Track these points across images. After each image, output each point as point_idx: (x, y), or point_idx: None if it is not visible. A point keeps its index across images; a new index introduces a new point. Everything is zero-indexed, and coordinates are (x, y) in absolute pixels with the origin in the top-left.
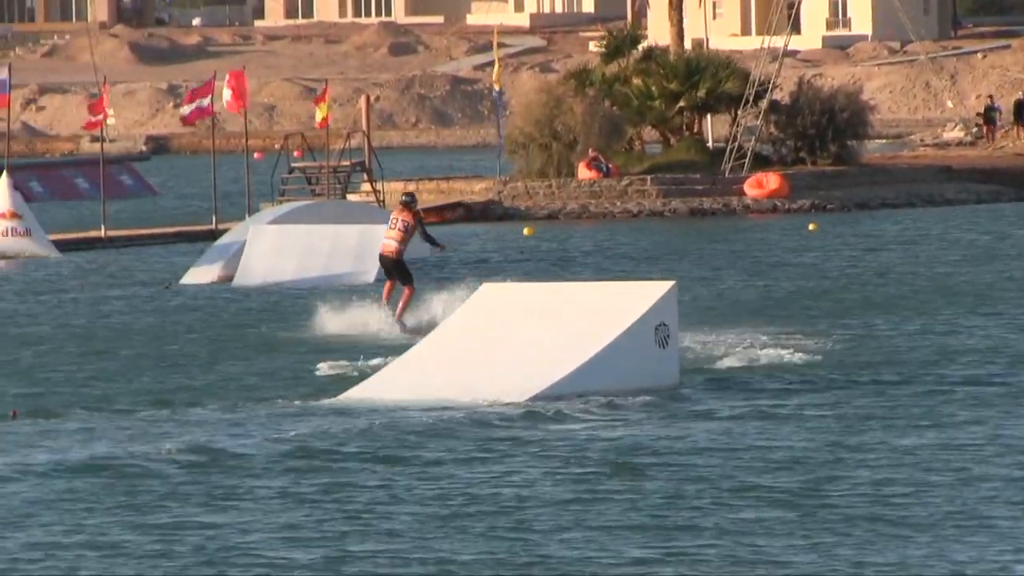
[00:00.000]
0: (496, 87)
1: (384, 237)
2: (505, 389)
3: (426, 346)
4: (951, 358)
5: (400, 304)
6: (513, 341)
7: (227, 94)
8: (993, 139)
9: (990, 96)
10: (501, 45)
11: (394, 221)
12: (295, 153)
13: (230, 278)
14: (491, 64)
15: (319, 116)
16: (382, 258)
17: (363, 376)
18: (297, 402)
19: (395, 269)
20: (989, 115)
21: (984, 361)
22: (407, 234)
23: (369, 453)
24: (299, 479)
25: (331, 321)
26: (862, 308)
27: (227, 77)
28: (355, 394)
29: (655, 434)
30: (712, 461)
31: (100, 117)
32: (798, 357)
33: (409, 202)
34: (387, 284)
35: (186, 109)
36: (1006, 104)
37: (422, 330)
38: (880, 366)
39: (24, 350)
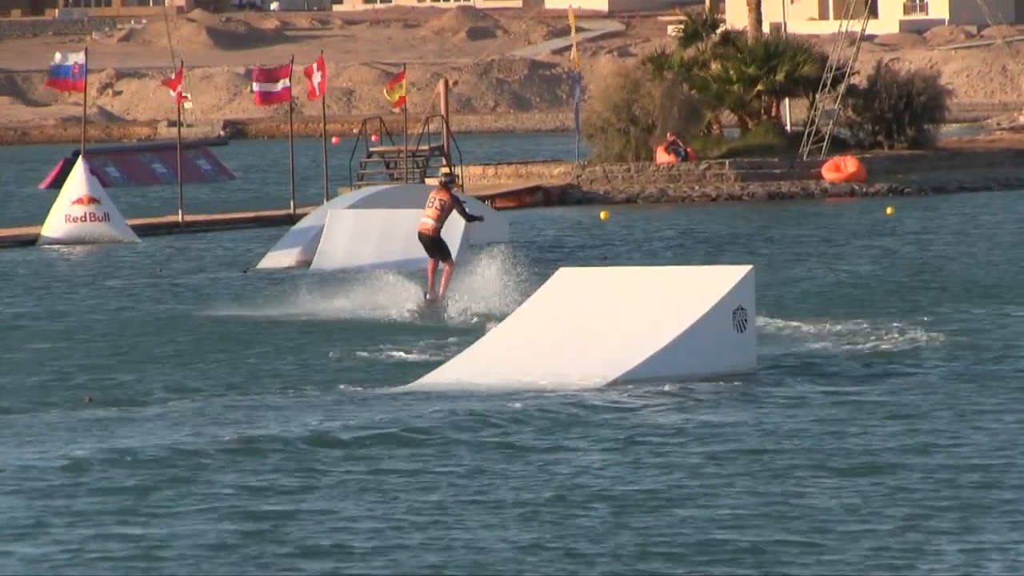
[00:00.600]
0: (571, 69)
1: (422, 216)
2: (585, 374)
3: (504, 330)
4: None
5: (443, 281)
6: (591, 325)
7: (316, 77)
8: None
9: None
10: (580, 29)
11: (432, 200)
12: (372, 137)
13: (308, 262)
14: (569, 48)
15: (393, 97)
16: (420, 236)
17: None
18: (372, 388)
19: (434, 246)
20: None
21: None
22: (444, 212)
23: (450, 439)
24: (376, 466)
25: (362, 300)
26: (940, 294)
27: (311, 66)
28: (432, 379)
29: (733, 419)
30: (788, 445)
31: (177, 91)
32: (875, 343)
33: (448, 182)
34: (429, 264)
35: (255, 86)
36: None
37: (464, 310)
38: (959, 351)
39: (100, 334)
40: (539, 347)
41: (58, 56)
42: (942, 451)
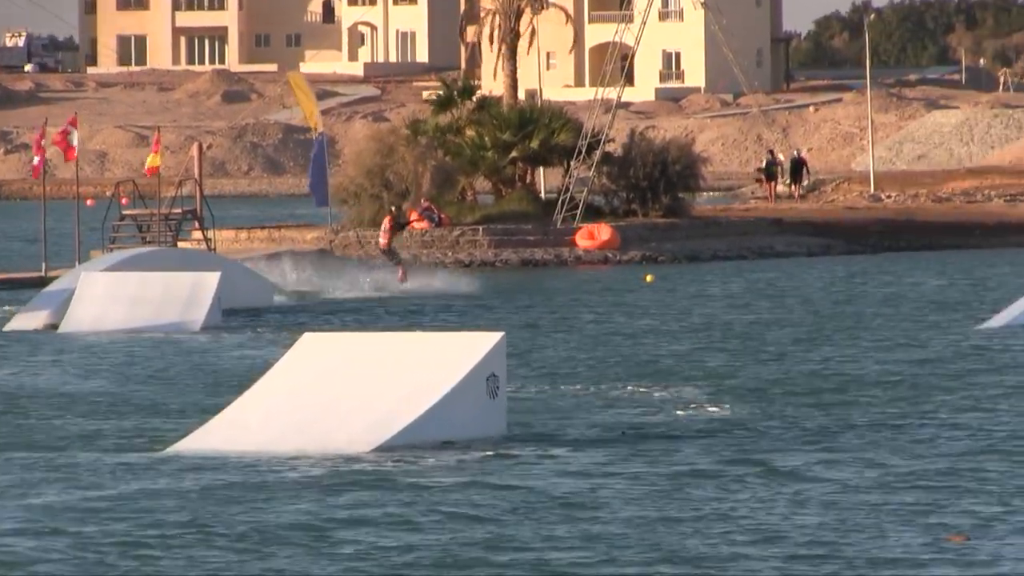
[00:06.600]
0: (316, 131)
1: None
2: (348, 439)
3: (253, 395)
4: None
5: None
6: (347, 391)
7: (74, 138)
8: (773, 195)
9: (770, 151)
10: (334, 94)
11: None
12: (122, 201)
13: (57, 325)
14: (325, 113)
15: (149, 163)
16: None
17: None
18: (120, 455)
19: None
20: (769, 170)
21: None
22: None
23: (210, 511)
24: (111, 541)
25: None
26: (711, 358)
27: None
28: (186, 445)
29: (493, 482)
30: (543, 506)
31: None
32: (625, 410)
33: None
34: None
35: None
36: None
37: None
38: (719, 416)
39: None
40: (296, 413)
41: None
42: (696, 524)
